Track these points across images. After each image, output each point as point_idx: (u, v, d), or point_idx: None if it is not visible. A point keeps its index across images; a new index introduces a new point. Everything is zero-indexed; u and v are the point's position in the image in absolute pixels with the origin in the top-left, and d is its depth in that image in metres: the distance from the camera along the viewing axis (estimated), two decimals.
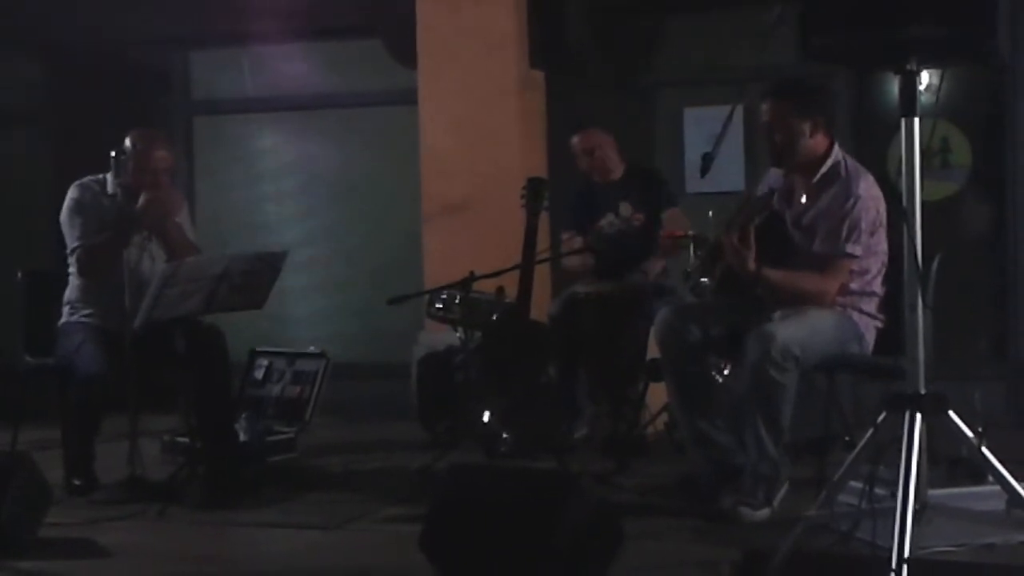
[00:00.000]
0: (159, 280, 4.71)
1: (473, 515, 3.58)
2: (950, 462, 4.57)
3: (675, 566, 3.90)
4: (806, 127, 4.52)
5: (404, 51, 7.21)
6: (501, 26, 6.92)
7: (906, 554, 3.08)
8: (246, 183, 8.21)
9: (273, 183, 8.17)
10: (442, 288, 5.87)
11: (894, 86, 3.41)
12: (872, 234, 4.46)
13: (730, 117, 4.84)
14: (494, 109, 6.92)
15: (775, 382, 4.29)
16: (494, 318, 5.74)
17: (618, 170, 6.20)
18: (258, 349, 6.51)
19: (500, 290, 5.77)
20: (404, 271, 7.26)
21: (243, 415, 5.63)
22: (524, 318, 5.62)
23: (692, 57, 7.39)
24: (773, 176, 4.77)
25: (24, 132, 8.04)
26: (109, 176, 5.22)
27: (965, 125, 6.78)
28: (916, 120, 3.36)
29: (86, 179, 5.29)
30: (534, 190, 5.70)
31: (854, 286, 4.52)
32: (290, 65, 7.88)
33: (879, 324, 4.57)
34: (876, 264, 4.53)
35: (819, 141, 4.54)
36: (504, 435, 5.34)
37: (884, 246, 4.53)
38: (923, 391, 3.35)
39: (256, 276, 5.02)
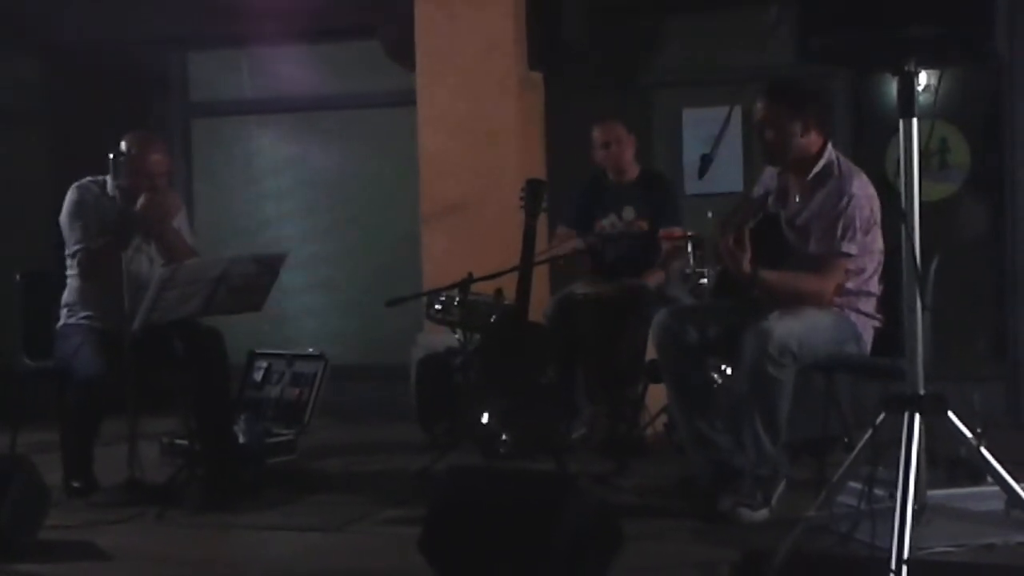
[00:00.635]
0: (158, 282, 4.71)
1: (472, 517, 3.58)
2: (949, 463, 4.56)
3: (674, 567, 3.90)
4: (798, 126, 4.52)
5: (403, 52, 7.21)
6: (499, 27, 6.92)
7: (905, 555, 3.08)
8: (245, 185, 8.21)
9: (271, 185, 8.17)
10: (441, 290, 5.87)
11: (892, 87, 3.41)
12: (867, 233, 4.47)
13: (728, 118, 4.84)
14: (493, 110, 6.92)
15: (772, 379, 4.29)
16: (493, 320, 5.74)
17: (632, 172, 6.17)
18: (257, 351, 6.51)
19: (499, 292, 5.77)
20: (403, 273, 7.25)
21: (242, 417, 5.63)
22: (523, 320, 5.62)
23: (690, 58, 7.40)
24: (768, 177, 4.78)
25: (22, 133, 8.03)
26: (109, 177, 5.22)
27: (963, 126, 6.79)
28: (914, 121, 3.36)
29: (85, 180, 5.29)
30: (533, 192, 5.70)
31: (850, 285, 4.52)
32: (289, 67, 7.87)
33: (877, 324, 4.57)
34: (872, 263, 4.53)
35: (812, 141, 4.55)
36: (503, 436, 5.34)
37: (879, 244, 4.53)
38: (922, 392, 3.36)
39: (255, 278, 5.02)
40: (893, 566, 3.07)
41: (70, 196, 5.24)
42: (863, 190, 4.47)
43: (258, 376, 6.45)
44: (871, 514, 3.43)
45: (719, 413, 4.62)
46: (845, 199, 4.43)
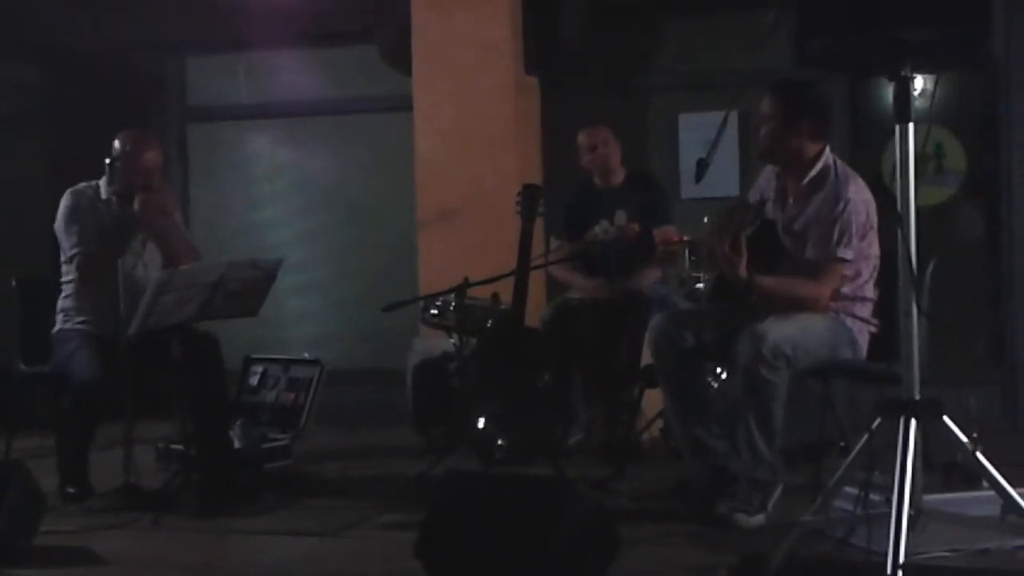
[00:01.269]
0: (154, 287, 4.70)
1: (469, 521, 3.58)
2: (945, 467, 4.57)
3: (671, 571, 3.90)
4: (797, 127, 4.52)
5: (399, 57, 7.22)
6: (495, 32, 6.93)
7: (901, 560, 3.08)
8: (241, 189, 8.21)
9: (268, 189, 8.18)
10: (437, 295, 5.87)
11: (888, 92, 3.41)
12: (863, 238, 4.47)
13: (725, 122, 4.85)
14: (489, 115, 6.92)
15: (766, 381, 4.29)
16: (489, 324, 5.74)
17: (618, 175, 6.17)
18: (253, 356, 6.51)
19: (495, 296, 5.77)
20: (399, 277, 7.26)
21: (238, 422, 5.62)
22: (519, 324, 5.62)
23: (687, 62, 7.40)
24: (765, 181, 4.78)
25: (19, 137, 8.03)
26: (102, 182, 5.21)
27: (959, 130, 6.80)
28: (911, 126, 3.37)
29: (79, 185, 5.29)
30: (529, 197, 5.70)
31: (846, 290, 4.52)
32: (286, 71, 7.88)
33: (872, 328, 4.58)
34: (868, 268, 4.54)
35: (810, 144, 4.55)
36: (500, 441, 5.33)
37: (876, 250, 4.54)
38: (918, 396, 3.36)
39: (251, 283, 5.02)
40: (889, 571, 3.08)
41: (64, 202, 5.24)
42: (859, 195, 4.48)
43: (254, 381, 6.44)
44: (867, 519, 3.43)
45: (715, 418, 4.62)
46: (841, 204, 4.43)
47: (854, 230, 4.42)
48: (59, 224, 5.24)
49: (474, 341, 5.71)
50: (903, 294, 3.40)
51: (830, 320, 4.50)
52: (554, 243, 6.23)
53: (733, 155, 6.86)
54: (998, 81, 6.73)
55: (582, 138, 6.17)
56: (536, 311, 6.01)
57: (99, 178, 5.24)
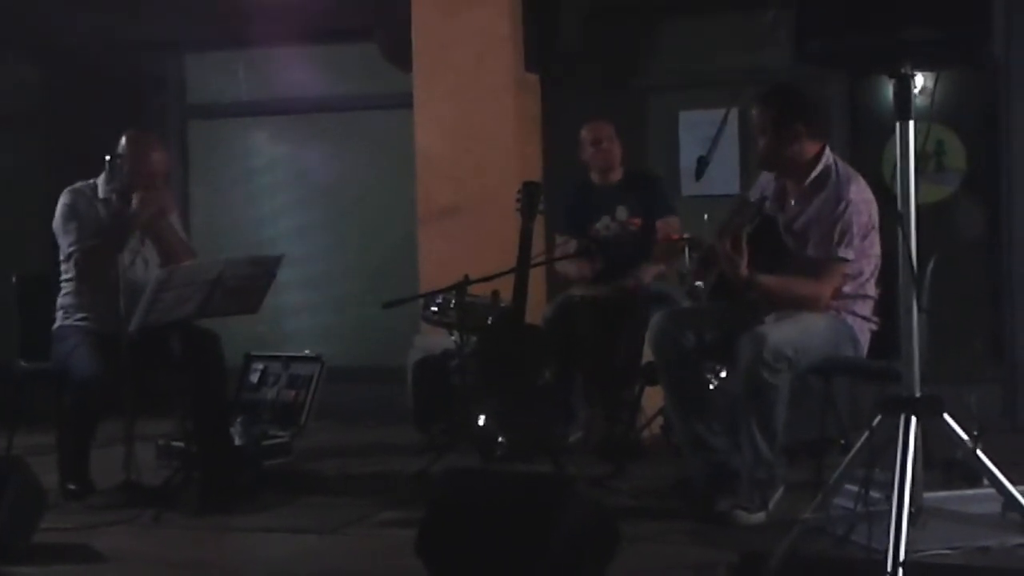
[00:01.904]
0: (154, 285, 4.71)
1: (469, 519, 3.58)
2: (945, 465, 4.57)
3: (671, 569, 3.90)
4: (792, 132, 4.53)
5: (400, 55, 7.22)
6: (496, 30, 6.93)
7: (901, 557, 3.08)
8: (241, 187, 8.21)
9: (268, 187, 8.18)
10: (437, 292, 5.87)
11: (889, 90, 3.41)
12: (864, 237, 4.47)
13: (725, 120, 4.83)
14: (489, 112, 6.92)
15: (768, 384, 4.30)
16: (489, 322, 5.74)
17: (618, 171, 6.18)
18: (253, 353, 6.50)
19: (495, 294, 5.77)
20: (400, 275, 7.26)
21: (238, 419, 5.62)
22: (519, 322, 5.62)
23: (687, 61, 7.40)
24: (765, 181, 4.78)
25: (19, 135, 8.03)
26: (100, 181, 5.22)
27: (959, 128, 6.80)
28: (911, 124, 3.36)
29: (77, 184, 5.29)
30: (529, 194, 5.70)
31: (847, 289, 4.52)
32: (286, 69, 7.87)
33: (873, 327, 4.58)
34: (869, 267, 4.54)
35: (808, 145, 4.55)
36: (500, 438, 5.33)
37: (877, 249, 4.54)
38: (918, 394, 3.36)
39: (251, 280, 5.02)
40: (889, 568, 3.08)
41: (62, 200, 5.24)
42: (860, 195, 4.48)
43: (254, 378, 6.44)
44: (867, 516, 3.43)
45: (716, 415, 4.63)
46: (842, 204, 4.43)
47: (855, 230, 4.42)
48: (57, 222, 5.24)
49: (474, 338, 5.71)
50: (903, 292, 3.40)
51: (831, 319, 4.50)
52: (560, 240, 6.23)
53: (733, 153, 6.86)
54: (999, 79, 6.72)
55: (586, 132, 6.17)
56: (536, 308, 6.02)
57: (99, 176, 5.24)
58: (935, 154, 6.77)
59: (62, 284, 5.27)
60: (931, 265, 4.29)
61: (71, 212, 5.20)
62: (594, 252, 6.04)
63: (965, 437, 3.38)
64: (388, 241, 7.78)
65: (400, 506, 4.81)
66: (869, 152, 6.59)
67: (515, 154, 6.94)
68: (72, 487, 5.00)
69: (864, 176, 4.60)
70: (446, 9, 6.96)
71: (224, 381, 5.24)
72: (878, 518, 3.31)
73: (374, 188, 7.90)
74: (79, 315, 5.21)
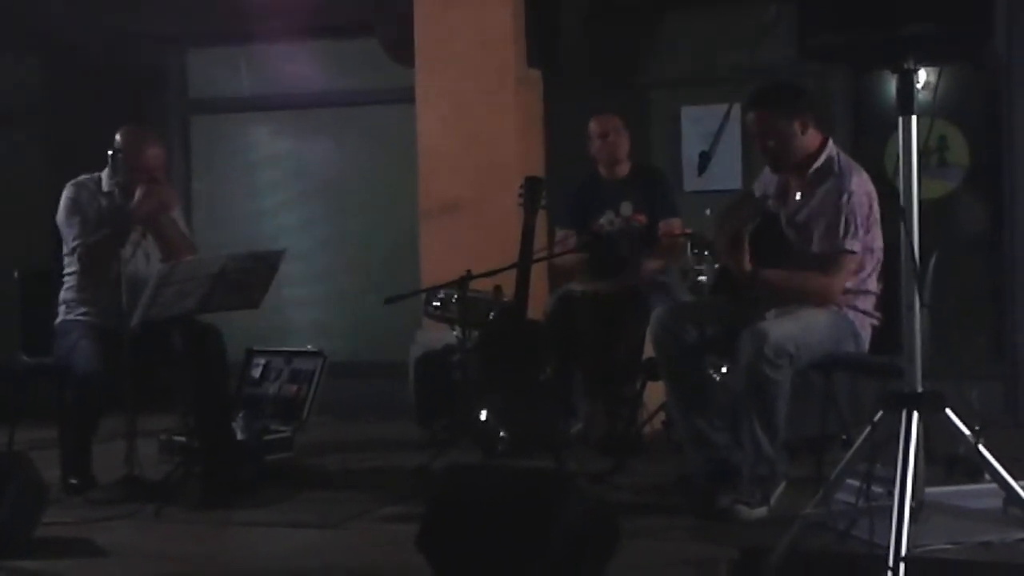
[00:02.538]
0: (156, 279, 4.71)
1: (470, 514, 3.58)
2: (947, 460, 4.57)
3: (672, 565, 3.90)
4: (795, 128, 4.52)
5: (401, 49, 7.21)
6: (498, 25, 6.93)
7: (903, 552, 3.08)
8: (243, 182, 8.21)
9: (270, 182, 8.18)
10: (439, 287, 5.87)
11: (891, 85, 3.41)
12: (867, 231, 4.46)
13: (727, 115, 4.85)
14: (491, 107, 6.92)
15: (769, 380, 4.29)
16: (491, 317, 5.74)
17: (624, 166, 6.16)
18: (255, 348, 6.51)
19: (497, 289, 5.77)
20: (401, 270, 7.26)
21: (240, 414, 5.63)
22: (521, 317, 5.62)
23: (689, 56, 7.40)
24: (767, 175, 4.78)
25: (20, 130, 8.03)
26: (104, 174, 5.22)
27: (962, 124, 6.79)
28: (913, 119, 3.36)
29: (81, 178, 5.29)
30: (532, 189, 5.70)
31: (849, 284, 4.51)
32: (287, 64, 7.88)
33: (875, 322, 4.57)
34: (871, 261, 4.53)
35: (811, 138, 4.55)
36: (501, 434, 5.34)
37: (879, 243, 4.53)
38: (920, 389, 3.36)
39: (253, 275, 5.02)
40: (891, 564, 3.07)
41: (66, 194, 5.24)
42: (862, 187, 4.47)
43: (256, 373, 6.44)
44: (869, 512, 3.43)
45: (717, 411, 4.62)
46: (845, 196, 4.42)
47: (859, 222, 4.41)
48: (60, 216, 5.24)
49: (476, 334, 5.71)
50: (905, 287, 3.39)
51: (832, 314, 4.50)
52: (560, 233, 6.22)
53: (735, 148, 6.85)
54: (1001, 75, 6.72)
55: (593, 125, 6.14)
56: (538, 303, 6.02)
57: (101, 170, 5.24)
58: (938, 150, 6.77)
59: (64, 279, 5.27)
60: (933, 261, 4.29)
61: (74, 206, 5.20)
62: (595, 248, 6.03)
63: (967, 432, 3.37)
64: (390, 236, 7.77)
65: (401, 501, 4.81)
66: (872, 147, 6.58)
67: (517, 149, 6.93)
68: (74, 482, 5.01)
69: (867, 171, 4.60)
70: (447, 4, 6.95)
71: (226, 376, 5.24)
72: (880, 513, 3.31)
73: (376, 183, 7.90)
74: (81, 310, 5.21)
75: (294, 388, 6.27)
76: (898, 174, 3.39)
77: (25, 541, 4.19)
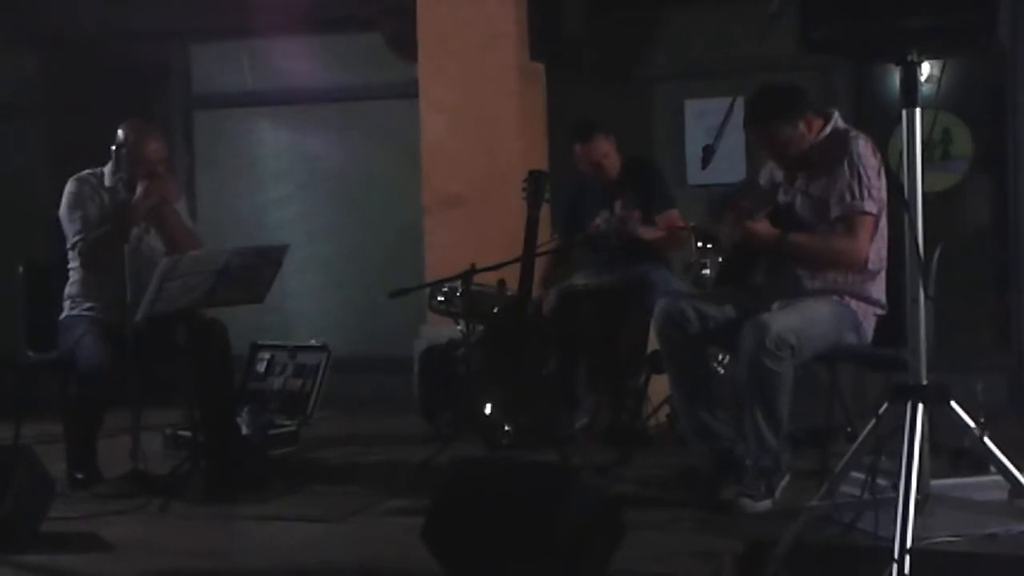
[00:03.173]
0: (160, 273, 4.71)
1: (475, 507, 3.58)
2: (952, 452, 4.57)
3: (677, 557, 3.90)
4: (801, 129, 4.53)
5: (404, 44, 7.22)
6: (501, 19, 6.92)
7: (908, 544, 3.08)
8: (247, 177, 8.22)
9: (273, 177, 8.19)
10: (443, 281, 5.87)
11: (895, 77, 3.41)
12: (877, 198, 4.45)
13: (731, 109, 4.84)
14: (494, 102, 6.92)
15: (771, 372, 4.29)
16: (495, 311, 5.74)
17: (617, 169, 6.11)
18: (260, 343, 6.52)
19: (501, 283, 5.77)
20: (405, 264, 7.26)
21: (245, 409, 5.64)
22: (525, 311, 5.62)
23: (693, 49, 7.39)
24: (774, 164, 4.79)
25: (23, 125, 8.04)
26: (106, 169, 5.23)
27: (966, 116, 6.78)
28: (917, 111, 3.35)
29: (83, 173, 5.29)
30: (535, 183, 5.70)
31: (853, 275, 4.52)
32: (290, 59, 7.88)
33: (879, 311, 4.57)
34: (880, 239, 4.51)
35: (814, 126, 4.56)
36: (506, 427, 5.34)
37: (883, 222, 4.52)
38: (925, 381, 3.36)
39: (257, 270, 5.02)
40: (896, 556, 3.07)
41: (68, 188, 5.25)
42: (868, 150, 4.47)
43: (261, 368, 6.46)
44: (874, 504, 3.43)
45: (721, 403, 4.63)
46: (855, 155, 4.43)
47: (872, 183, 4.41)
48: (63, 211, 5.24)
49: (480, 328, 5.72)
50: (910, 280, 3.39)
51: (835, 306, 4.50)
52: (557, 240, 6.20)
53: (739, 141, 6.81)
54: (1005, 67, 6.71)
55: (580, 153, 6.01)
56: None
57: (103, 165, 5.25)
58: (942, 142, 6.76)
59: (69, 273, 5.28)
60: (937, 253, 4.28)
61: (77, 201, 5.21)
62: (595, 244, 6.02)
63: (972, 424, 3.37)
64: (394, 230, 7.78)
65: (406, 495, 4.81)
66: (875, 140, 6.54)
67: (520, 143, 6.93)
68: (79, 476, 5.01)
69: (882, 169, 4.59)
70: None
71: (230, 370, 5.25)
72: (884, 506, 3.32)
73: (379, 177, 7.90)
74: (86, 305, 5.22)
75: (299, 382, 6.28)
76: (902, 167, 3.39)
77: (31, 535, 4.20)
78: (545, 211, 5.88)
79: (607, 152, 6.02)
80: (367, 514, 4.62)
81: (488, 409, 5.37)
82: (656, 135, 7.37)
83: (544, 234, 5.96)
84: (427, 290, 6.02)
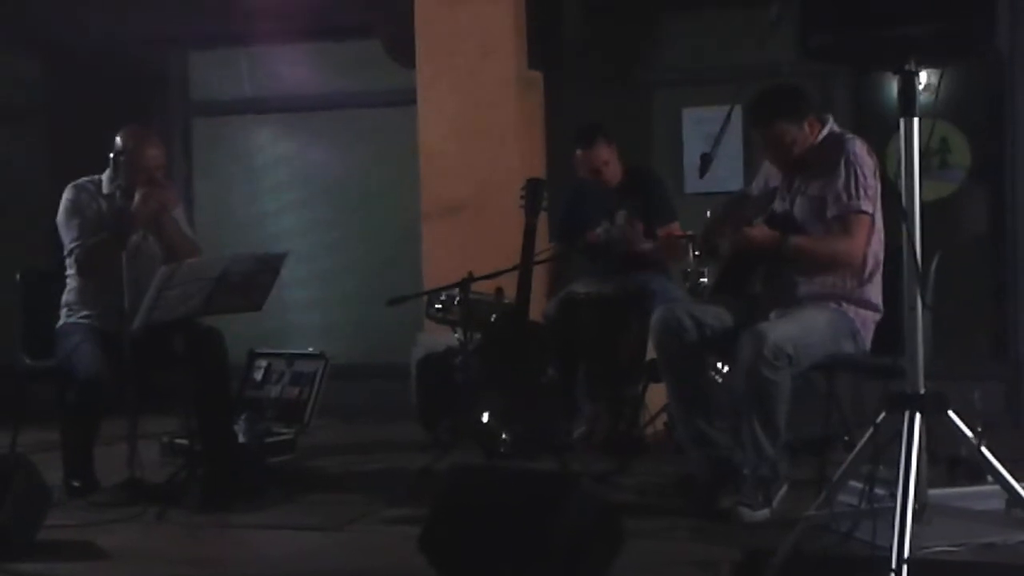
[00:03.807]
0: (158, 281, 4.70)
1: (473, 515, 3.58)
2: (950, 462, 4.57)
3: (675, 565, 3.90)
4: (805, 130, 4.55)
5: (402, 51, 7.22)
6: (499, 26, 6.93)
7: (906, 554, 3.08)
8: (245, 183, 8.21)
9: (272, 183, 8.18)
10: (441, 289, 5.87)
11: (893, 86, 3.41)
12: (872, 200, 4.46)
13: (729, 117, 4.83)
14: (492, 109, 6.92)
15: (768, 381, 4.29)
16: (493, 319, 5.74)
17: (618, 177, 6.12)
18: (257, 350, 6.51)
19: (499, 291, 5.77)
20: (403, 272, 7.26)
21: (242, 416, 5.63)
22: (523, 319, 5.62)
23: (690, 57, 7.40)
24: (769, 170, 4.80)
25: (22, 132, 8.03)
26: (104, 177, 5.23)
27: (964, 125, 6.79)
28: (915, 120, 3.36)
29: (81, 180, 5.30)
30: (533, 191, 5.69)
31: (850, 278, 4.52)
32: (289, 66, 7.88)
33: (877, 317, 4.57)
34: (872, 254, 4.52)
35: (815, 128, 4.59)
36: (504, 435, 5.33)
37: (879, 223, 4.53)
38: (922, 390, 3.36)
39: (255, 277, 5.02)
40: (894, 565, 3.07)
41: (66, 196, 5.25)
42: (863, 150, 4.50)
43: (258, 375, 6.45)
44: (872, 513, 3.43)
45: (718, 411, 4.62)
46: (851, 155, 4.46)
47: (868, 182, 4.43)
48: (60, 218, 5.24)
49: (478, 336, 5.71)
50: (908, 288, 3.39)
51: (832, 314, 4.50)
52: (555, 247, 6.20)
53: (737, 149, 6.84)
54: (1003, 76, 6.72)
55: (582, 158, 6.02)
56: (539, 305, 6.01)
57: (102, 172, 5.25)
58: (939, 151, 6.77)
59: (67, 279, 5.28)
60: (935, 262, 4.29)
61: (74, 208, 5.21)
62: (594, 254, 6.01)
63: (969, 434, 3.37)
64: (392, 238, 7.78)
65: (404, 503, 4.81)
66: (873, 148, 6.55)
67: (518, 151, 6.93)
68: (76, 484, 5.01)
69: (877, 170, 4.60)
70: (449, 5, 6.95)
71: (228, 378, 5.24)
72: (882, 515, 3.31)
73: (377, 185, 7.90)
74: (83, 313, 5.21)
75: (296, 390, 6.27)
76: (900, 176, 3.39)
77: (27, 544, 4.19)
78: (543, 219, 5.88)
79: (607, 160, 6.03)
80: (365, 522, 4.61)
81: (486, 417, 5.36)
82: (654, 143, 7.38)
83: (542, 242, 5.95)
84: (425, 298, 6.02)
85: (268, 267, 5.06)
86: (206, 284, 4.82)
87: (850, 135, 4.59)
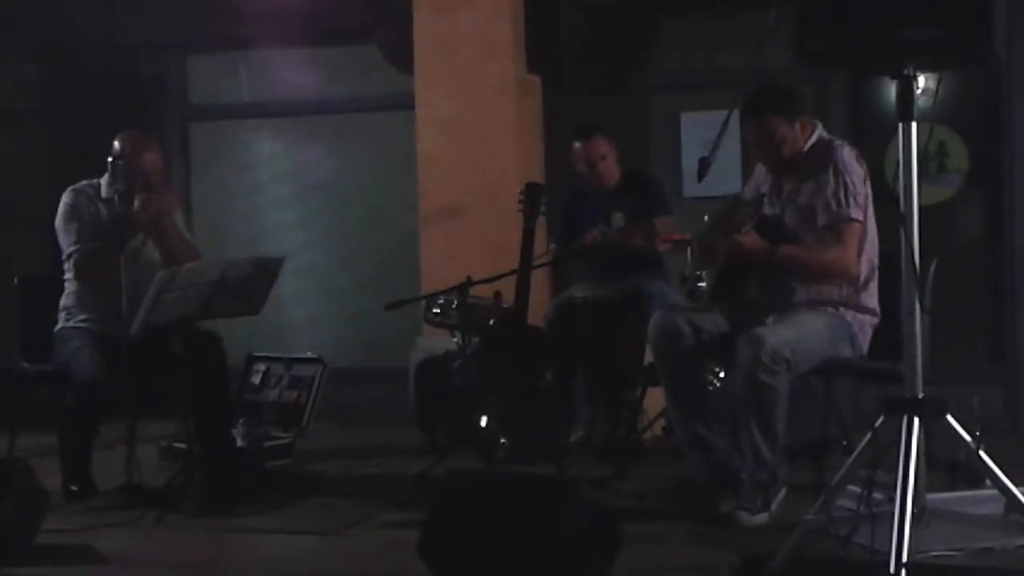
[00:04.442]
0: (156, 285, 4.70)
1: (471, 520, 3.58)
2: (948, 466, 4.57)
3: (673, 570, 3.90)
4: (797, 130, 4.57)
5: (401, 56, 7.22)
6: (497, 31, 6.93)
7: (904, 558, 3.08)
8: (243, 188, 8.21)
9: (270, 188, 8.18)
10: (439, 293, 5.87)
11: (891, 90, 3.42)
12: (863, 209, 4.46)
13: (726, 122, 4.84)
14: (490, 114, 6.92)
15: (766, 386, 4.29)
16: (491, 323, 5.74)
17: (615, 177, 6.14)
18: (255, 354, 6.50)
19: (497, 295, 5.76)
20: (401, 276, 7.26)
21: (240, 420, 5.62)
22: (521, 323, 5.62)
23: (688, 61, 7.40)
24: (760, 176, 4.80)
25: (21, 136, 8.03)
26: (103, 180, 5.23)
27: (962, 129, 6.80)
28: (913, 124, 3.36)
29: (80, 184, 5.29)
30: (531, 195, 5.69)
31: (846, 285, 4.52)
32: (287, 70, 7.88)
33: (874, 321, 4.57)
34: (867, 259, 4.52)
35: (802, 132, 4.60)
36: (502, 440, 5.33)
37: (873, 231, 4.53)
38: (921, 395, 3.36)
39: (253, 281, 5.02)
40: (892, 570, 3.07)
41: (64, 200, 5.25)
42: (852, 157, 4.51)
43: (256, 379, 6.43)
44: (870, 518, 3.43)
45: (717, 416, 4.62)
46: (840, 163, 4.47)
47: (857, 189, 4.44)
48: (58, 222, 5.24)
49: (476, 340, 5.71)
50: (906, 293, 3.40)
51: (830, 319, 4.50)
52: (554, 249, 6.19)
53: (735, 154, 6.84)
54: (1001, 80, 6.73)
55: (579, 151, 6.02)
56: (538, 309, 6.01)
57: (101, 176, 5.25)
58: (937, 155, 6.77)
59: (65, 283, 5.27)
60: (933, 266, 4.29)
61: (72, 212, 5.21)
62: (592, 257, 6.01)
63: (968, 438, 3.37)
64: (390, 242, 7.78)
65: (402, 508, 4.81)
66: (871, 153, 6.53)
67: (516, 155, 6.93)
68: (74, 488, 5.01)
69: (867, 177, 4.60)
70: (447, 10, 6.96)
71: (226, 382, 5.24)
72: (881, 519, 3.31)
73: (375, 189, 7.90)
74: (81, 317, 5.21)
75: (294, 394, 6.26)
76: (898, 180, 3.39)
77: (25, 548, 4.19)
78: (541, 223, 5.88)
79: (605, 154, 6.02)
80: (363, 527, 4.61)
81: (484, 421, 5.36)
82: (652, 147, 7.38)
83: (540, 247, 5.95)
84: (423, 302, 6.02)
85: (266, 271, 5.06)
86: (204, 288, 4.82)
87: (839, 142, 4.60)
